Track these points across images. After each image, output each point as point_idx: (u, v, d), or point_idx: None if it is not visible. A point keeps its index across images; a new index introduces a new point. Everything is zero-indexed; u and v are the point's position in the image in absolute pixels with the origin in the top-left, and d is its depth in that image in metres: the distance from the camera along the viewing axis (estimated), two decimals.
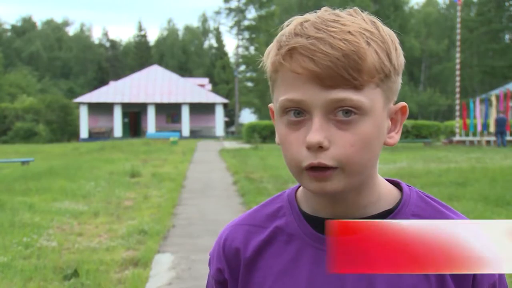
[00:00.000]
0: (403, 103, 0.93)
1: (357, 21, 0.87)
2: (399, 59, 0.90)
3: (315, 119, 0.84)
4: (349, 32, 0.84)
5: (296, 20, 0.89)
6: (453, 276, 0.90)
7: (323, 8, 0.90)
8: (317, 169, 0.85)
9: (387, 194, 0.96)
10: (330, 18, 0.86)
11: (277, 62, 0.87)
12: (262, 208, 1.02)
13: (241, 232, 1.00)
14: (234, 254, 0.99)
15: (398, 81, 0.91)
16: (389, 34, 0.89)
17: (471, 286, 0.91)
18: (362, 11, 0.91)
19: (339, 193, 0.89)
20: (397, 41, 0.91)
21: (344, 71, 0.82)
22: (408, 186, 0.99)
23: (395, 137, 0.93)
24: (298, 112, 0.86)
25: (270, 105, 0.95)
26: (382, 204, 0.94)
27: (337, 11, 0.89)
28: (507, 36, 60.78)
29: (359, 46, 0.83)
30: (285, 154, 0.89)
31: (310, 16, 0.89)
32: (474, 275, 0.90)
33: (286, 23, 0.91)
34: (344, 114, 0.84)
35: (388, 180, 0.99)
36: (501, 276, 0.94)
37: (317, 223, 0.94)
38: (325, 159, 0.84)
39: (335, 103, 0.84)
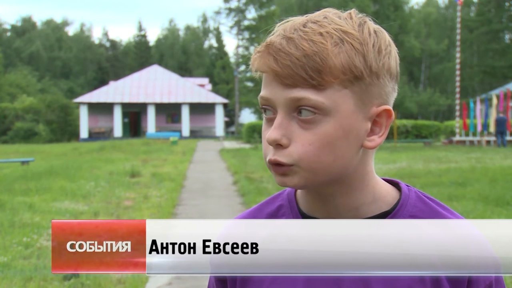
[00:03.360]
0: (386, 106, 0.91)
1: (338, 22, 0.87)
2: (383, 61, 0.88)
3: (277, 117, 0.87)
4: (319, 33, 0.85)
5: (289, 21, 0.91)
6: (448, 277, 0.90)
7: (323, 10, 0.91)
8: (276, 165, 0.89)
9: (384, 196, 0.95)
10: (314, 19, 0.88)
11: (252, 60, 0.91)
12: (263, 207, 1.03)
13: None
14: None
15: (379, 84, 0.89)
16: (376, 35, 0.89)
17: (467, 286, 0.91)
18: (357, 14, 0.91)
19: (301, 188, 0.92)
20: (385, 43, 0.90)
21: (302, 71, 0.84)
22: (407, 186, 0.98)
23: (377, 140, 0.92)
24: (269, 110, 0.90)
25: None
26: (379, 206, 0.94)
27: (330, 13, 0.90)
28: (507, 36, 60.76)
29: (323, 47, 0.84)
30: None
31: (302, 17, 0.91)
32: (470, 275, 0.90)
33: (278, 24, 0.92)
34: (305, 114, 0.86)
35: (387, 180, 0.99)
36: (498, 276, 0.94)
37: None
38: (281, 156, 0.87)
39: (294, 102, 0.86)
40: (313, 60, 0.84)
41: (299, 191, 1.00)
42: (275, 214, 1.00)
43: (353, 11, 0.91)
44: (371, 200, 0.94)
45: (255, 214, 1.02)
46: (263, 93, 0.89)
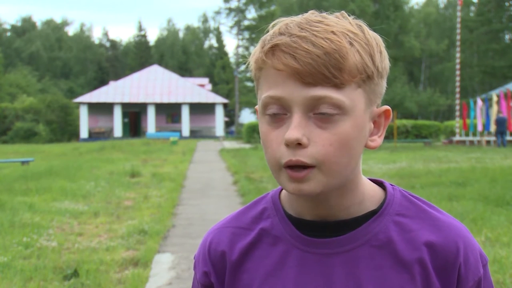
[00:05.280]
0: (386, 107, 0.93)
1: (341, 23, 0.87)
2: (384, 62, 0.90)
3: (295, 116, 0.85)
4: (332, 31, 0.84)
5: (282, 21, 0.90)
6: (438, 274, 0.91)
7: (310, 11, 0.91)
8: (294, 169, 0.85)
9: (371, 195, 0.96)
10: (315, 19, 0.87)
11: (260, 59, 0.88)
12: (247, 210, 1.02)
13: (226, 235, 1.00)
14: (220, 257, 0.98)
15: (382, 84, 0.91)
16: (374, 37, 0.90)
17: (456, 283, 0.92)
18: (349, 15, 0.91)
19: (318, 195, 0.88)
20: (382, 45, 0.91)
21: (324, 69, 0.83)
22: (392, 185, 0.99)
23: (378, 140, 0.92)
24: (279, 110, 0.87)
25: (256, 106, 0.95)
26: (367, 205, 0.94)
27: (323, 13, 0.90)
28: (507, 36, 60.74)
29: (341, 45, 0.83)
30: (265, 152, 0.89)
31: (296, 17, 0.90)
32: (459, 272, 0.91)
33: (271, 24, 0.91)
34: (325, 113, 0.84)
35: (372, 180, 0.99)
36: (485, 271, 0.95)
37: (301, 225, 0.94)
38: (303, 156, 0.84)
39: (315, 101, 0.84)
40: (334, 58, 0.83)
41: (284, 193, 0.99)
42: (260, 217, 0.99)
43: (344, 13, 0.92)
44: (361, 199, 0.94)
45: (239, 218, 1.01)
46: (273, 92, 0.86)
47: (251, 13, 59.26)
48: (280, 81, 0.86)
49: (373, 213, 0.94)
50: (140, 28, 79.82)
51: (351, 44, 0.85)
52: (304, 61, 0.83)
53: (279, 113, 0.87)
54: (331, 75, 0.83)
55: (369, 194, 0.95)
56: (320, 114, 0.84)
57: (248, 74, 58.47)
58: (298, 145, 0.84)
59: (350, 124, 0.85)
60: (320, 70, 0.83)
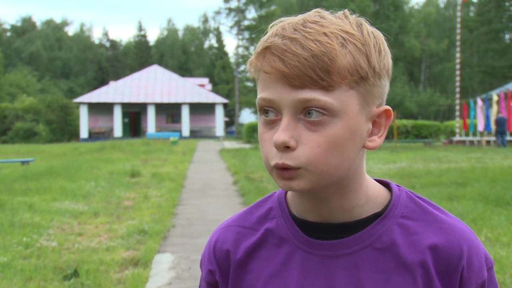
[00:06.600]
0: (386, 107, 0.92)
1: (338, 23, 0.86)
2: (383, 62, 0.88)
3: (284, 118, 0.85)
4: (324, 33, 0.84)
5: (282, 21, 0.90)
6: (440, 276, 0.90)
7: (314, 10, 0.90)
8: (282, 168, 0.86)
9: (376, 196, 0.95)
10: (312, 19, 0.87)
11: (253, 61, 0.89)
12: (253, 210, 1.02)
13: (231, 234, 1.00)
14: (225, 256, 0.99)
15: (381, 85, 0.89)
16: (375, 36, 0.89)
17: (459, 286, 0.91)
18: (351, 14, 0.90)
19: (309, 191, 0.89)
20: (384, 43, 0.90)
21: (311, 72, 0.82)
22: (398, 186, 0.98)
23: (377, 140, 0.91)
24: (271, 112, 0.87)
25: None
26: (371, 207, 0.94)
27: (325, 13, 0.89)
28: (507, 36, 60.76)
29: (330, 47, 0.83)
30: (261, 152, 0.91)
31: (296, 17, 0.89)
32: (461, 274, 0.90)
33: (271, 25, 0.91)
34: (312, 115, 0.84)
35: (378, 181, 0.98)
36: (490, 275, 0.94)
37: (305, 226, 0.94)
38: (288, 159, 0.85)
39: (303, 103, 0.84)
40: (322, 61, 0.82)
41: (289, 193, 0.99)
42: (265, 217, 0.99)
43: (346, 11, 0.91)
44: (364, 201, 0.93)
45: (245, 217, 1.01)
46: (265, 94, 0.87)
47: (251, 13, 59.29)
48: (270, 84, 0.86)
49: (377, 215, 0.93)
50: (140, 28, 79.83)
51: (343, 45, 0.84)
52: (291, 64, 0.83)
53: (272, 115, 0.87)
54: (318, 77, 0.82)
55: (373, 195, 0.95)
56: (309, 117, 0.84)
57: (248, 74, 58.41)
58: (285, 147, 0.85)
59: (340, 126, 0.85)
60: (307, 73, 0.82)
